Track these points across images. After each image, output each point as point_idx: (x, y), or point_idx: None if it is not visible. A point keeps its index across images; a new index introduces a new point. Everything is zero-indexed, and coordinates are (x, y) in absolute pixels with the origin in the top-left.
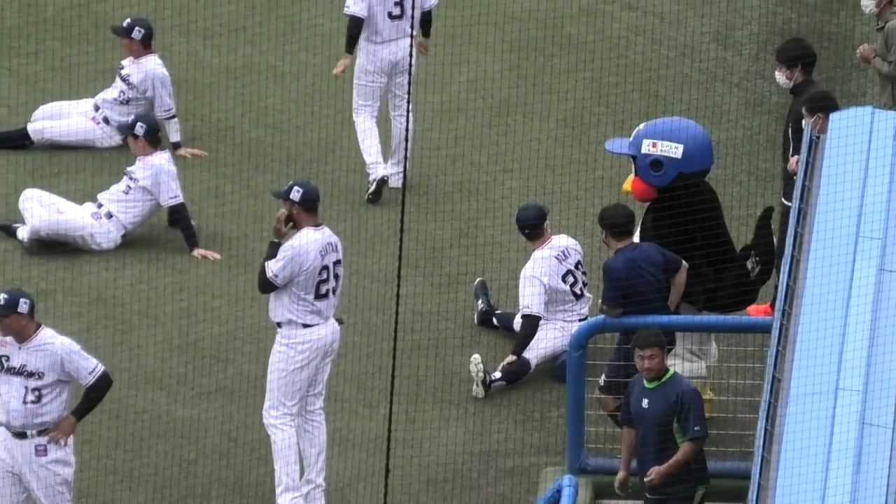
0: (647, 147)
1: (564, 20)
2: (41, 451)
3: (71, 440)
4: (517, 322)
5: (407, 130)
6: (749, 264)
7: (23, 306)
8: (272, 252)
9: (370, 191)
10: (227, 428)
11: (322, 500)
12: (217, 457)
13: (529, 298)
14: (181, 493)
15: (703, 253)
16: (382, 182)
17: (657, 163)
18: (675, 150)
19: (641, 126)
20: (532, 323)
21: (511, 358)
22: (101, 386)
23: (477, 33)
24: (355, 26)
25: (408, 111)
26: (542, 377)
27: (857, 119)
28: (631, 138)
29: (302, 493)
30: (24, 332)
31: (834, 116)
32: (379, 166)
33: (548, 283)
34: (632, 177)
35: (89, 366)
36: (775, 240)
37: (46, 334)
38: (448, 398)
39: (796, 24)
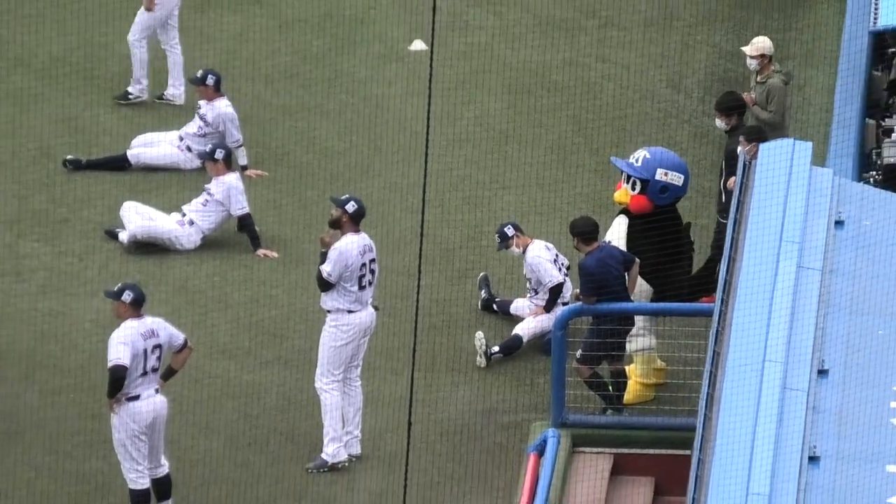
0: (660, 174)
1: (551, 69)
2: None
3: (121, 415)
4: (514, 307)
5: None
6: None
7: (126, 297)
8: (322, 259)
9: (129, 99)
10: (283, 390)
11: (358, 447)
12: (275, 413)
13: (550, 274)
14: (247, 440)
15: (673, 253)
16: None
17: (665, 188)
18: (678, 180)
19: (646, 153)
20: (558, 289)
21: (542, 316)
22: (110, 379)
23: (482, 79)
24: None
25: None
26: (532, 351)
27: (782, 149)
28: (639, 164)
29: (343, 441)
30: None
31: (763, 146)
32: (147, 90)
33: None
34: (626, 189)
35: (109, 356)
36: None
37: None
38: (457, 367)
39: (734, 74)
